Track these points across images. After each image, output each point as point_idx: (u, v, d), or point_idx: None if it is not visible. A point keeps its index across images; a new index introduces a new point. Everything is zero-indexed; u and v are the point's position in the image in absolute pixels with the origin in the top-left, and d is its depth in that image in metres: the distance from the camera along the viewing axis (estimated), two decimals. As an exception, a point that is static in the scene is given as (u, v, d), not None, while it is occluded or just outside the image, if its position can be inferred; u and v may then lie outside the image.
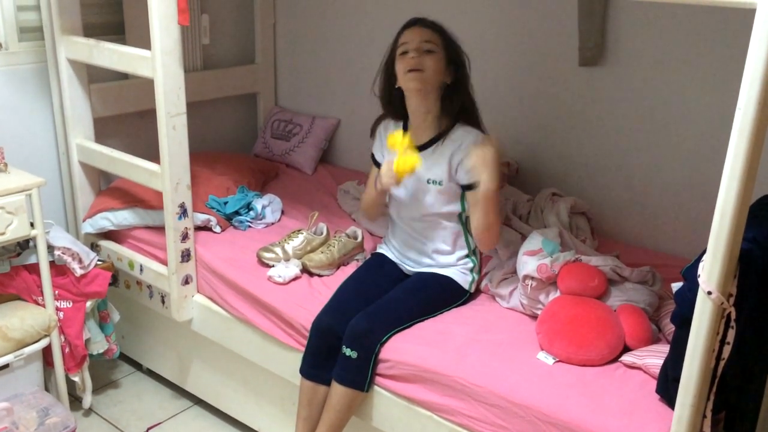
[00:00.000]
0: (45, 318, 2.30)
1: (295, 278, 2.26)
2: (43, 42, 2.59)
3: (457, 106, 2.08)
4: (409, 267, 2.22)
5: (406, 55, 2.02)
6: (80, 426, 2.48)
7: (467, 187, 2.06)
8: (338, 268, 2.35)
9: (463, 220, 2.16)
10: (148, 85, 2.23)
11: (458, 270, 2.15)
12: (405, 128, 2.16)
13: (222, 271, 2.35)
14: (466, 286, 2.15)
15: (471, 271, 2.17)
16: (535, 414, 1.68)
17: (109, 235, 2.69)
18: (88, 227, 2.66)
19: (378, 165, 2.22)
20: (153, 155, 2.37)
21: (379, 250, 2.31)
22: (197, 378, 2.63)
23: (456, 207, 2.13)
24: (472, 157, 1.94)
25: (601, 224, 2.53)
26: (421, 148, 2.10)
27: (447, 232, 2.15)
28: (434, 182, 2.10)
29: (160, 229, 2.45)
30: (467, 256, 2.17)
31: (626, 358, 1.80)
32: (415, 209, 2.14)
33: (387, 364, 1.94)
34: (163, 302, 2.54)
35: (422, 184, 2.11)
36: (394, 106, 2.16)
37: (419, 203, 2.12)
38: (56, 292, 2.38)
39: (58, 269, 2.39)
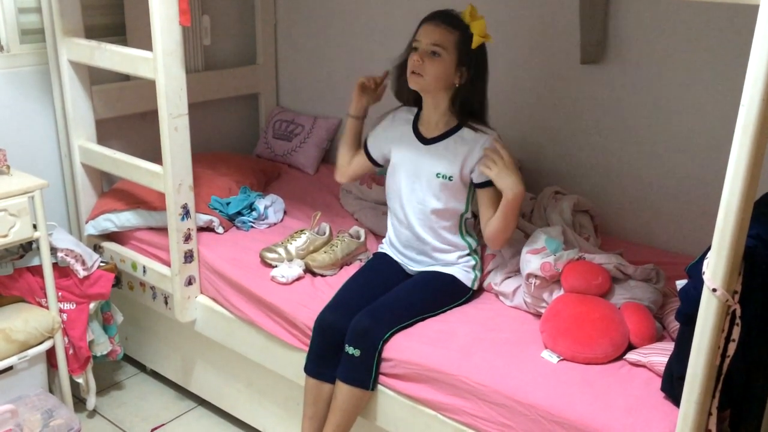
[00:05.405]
0: (48, 320, 2.30)
1: (298, 278, 2.26)
2: (44, 44, 2.59)
3: (465, 108, 2.06)
4: (412, 266, 2.22)
5: (415, 53, 2.01)
6: (84, 427, 2.49)
7: (481, 185, 2.07)
8: (341, 268, 2.34)
9: (463, 220, 2.16)
10: (149, 86, 2.23)
11: (460, 268, 2.15)
12: (417, 117, 2.16)
13: (225, 271, 2.35)
14: (468, 283, 2.15)
15: (473, 268, 2.17)
16: (540, 413, 1.68)
17: (111, 236, 2.69)
18: (91, 229, 2.66)
19: (366, 149, 2.27)
20: (155, 156, 2.37)
21: (381, 250, 2.31)
22: (201, 379, 2.63)
23: (459, 205, 2.13)
24: (492, 158, 1.97)
25: (605, 222, 2.52)
26: (432, 140, 2.11)
27: (446, 232, 2.14)
28: (444, 176, 2.08)
29: (163, 230, 2.45)
30: (468, 254, 2.17)
31: (631, 356, 1.80)
32: (418, 202, 2.14)
33: (391, 363, 1.94)
34: (166, 303, 2.54)
35: (431, 178, 2.11)
36: (406, 94, 2.16)
37: (424, 196, 2.12)
38: (59, 293, 2.38)
39: (62, 271, 2.39)
